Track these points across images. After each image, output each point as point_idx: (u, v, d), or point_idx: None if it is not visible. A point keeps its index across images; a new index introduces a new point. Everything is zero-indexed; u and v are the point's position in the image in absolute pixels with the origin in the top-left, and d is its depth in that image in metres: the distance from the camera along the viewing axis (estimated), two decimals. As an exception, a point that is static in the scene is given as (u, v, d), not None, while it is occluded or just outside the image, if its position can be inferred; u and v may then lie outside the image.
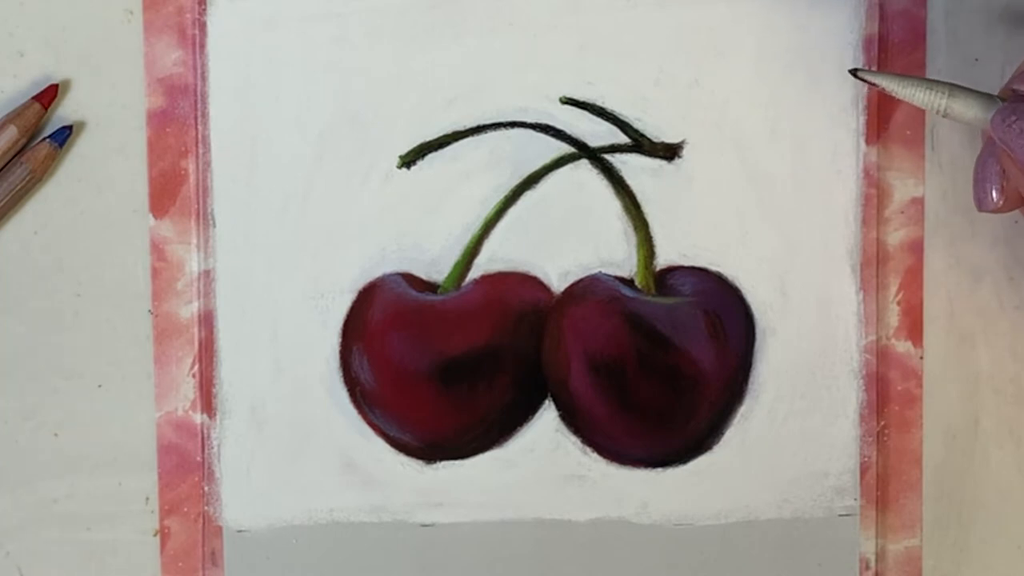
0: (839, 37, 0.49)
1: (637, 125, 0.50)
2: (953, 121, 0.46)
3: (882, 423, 0.51)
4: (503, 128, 0.50)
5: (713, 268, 0.50)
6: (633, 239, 0.50)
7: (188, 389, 0.51)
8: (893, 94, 0.46)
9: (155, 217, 0.50)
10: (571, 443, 0.51)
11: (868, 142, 0.50)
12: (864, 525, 0.51)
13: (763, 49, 0.50)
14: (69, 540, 0.51)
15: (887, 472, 0.51)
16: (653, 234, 0.50)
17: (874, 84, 0.46)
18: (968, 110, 0.45)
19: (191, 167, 0.50)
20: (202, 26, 0.50)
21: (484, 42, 0.50)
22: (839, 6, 0.50)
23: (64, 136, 0.50)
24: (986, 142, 0.46)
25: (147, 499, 0.51)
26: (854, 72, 0.46)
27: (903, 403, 0.51)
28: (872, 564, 0.51)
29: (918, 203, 0.51)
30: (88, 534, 0.51)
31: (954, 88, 0.45)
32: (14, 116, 0.49)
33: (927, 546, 0.51)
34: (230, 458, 0.50)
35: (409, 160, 0.50)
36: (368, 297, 0.50)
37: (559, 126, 0.50)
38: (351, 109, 0.50)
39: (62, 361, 0.51)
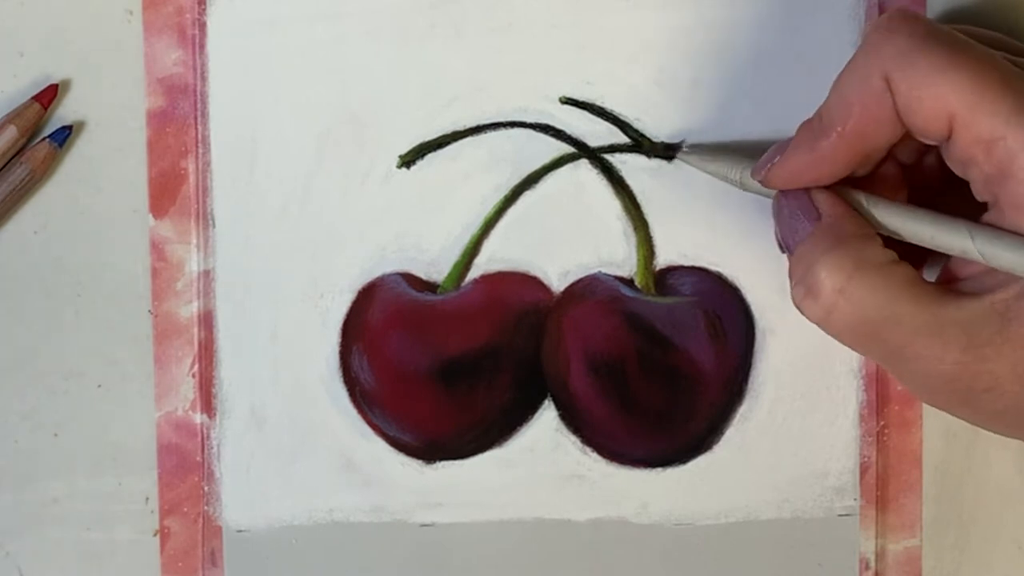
0: (839, 37, 0.49)
1: (637, 125, 0.50)
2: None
3: (882, 423, 0.51)
4: (503, 128, 0.50)
5: (713, 268, 0.50)
6: (633, 239, 0.50)
7: (188, 389, 0.51)
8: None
9: (155, 217, 0.50)
10: (571, 443, 0.51)
11: (868, 142, 0.50)
12: (864, 525, 0.51)
13: (763, 49, 0.50)
14: (69, 540, 0.51)
15: (887, 472, 0.51)
16: (653, 234, 0.50)
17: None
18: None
19: (191, 167, 0.50)
20: (202, 26, 0.50)
21: (484, 42, 0.50)
22: (839, 6, 0.49)
23: (64, 136, 0.50)
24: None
25: (147, 499, 0.51)
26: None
27: (903, 403, 0.51)
28: (872, 564, 0.51)
29: (918, 203, 0.51)
30: (88, 534, 0.51)
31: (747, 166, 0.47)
32: (14, 116, 0.49)
33: (927, 546, 0.51)
34: (230, 458, 0.50)
35: (409, 160, 0.50)
36: (368, 297, 0.50)
37: (559, 126, 0.50)
38: (351, 109, 0.50)
39: (62, 361, 0.51)
